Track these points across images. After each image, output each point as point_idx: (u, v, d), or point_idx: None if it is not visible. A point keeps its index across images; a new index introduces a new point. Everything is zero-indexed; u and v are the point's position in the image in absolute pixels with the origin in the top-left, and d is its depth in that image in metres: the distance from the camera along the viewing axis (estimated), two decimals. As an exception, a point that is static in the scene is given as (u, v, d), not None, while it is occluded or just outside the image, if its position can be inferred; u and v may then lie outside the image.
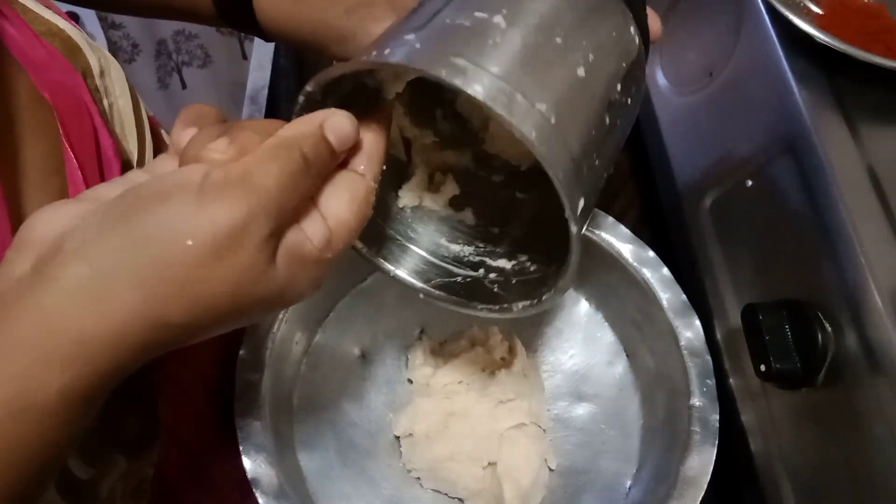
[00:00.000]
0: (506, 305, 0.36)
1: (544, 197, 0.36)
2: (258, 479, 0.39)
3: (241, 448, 0.40)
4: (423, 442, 0.47)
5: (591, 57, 0.30)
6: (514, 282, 0.38)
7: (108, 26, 1.23)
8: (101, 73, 0.41)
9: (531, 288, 0.36)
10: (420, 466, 0.47)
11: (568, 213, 0.28)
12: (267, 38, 0.45)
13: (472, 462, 0.46)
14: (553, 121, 0.27)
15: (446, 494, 0.47)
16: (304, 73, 0.73)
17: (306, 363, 0.49)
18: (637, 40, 0.33)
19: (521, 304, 0.35)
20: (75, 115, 0.37)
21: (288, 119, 0.29)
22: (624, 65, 0.32)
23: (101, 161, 0.38)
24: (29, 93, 0.35)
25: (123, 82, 0.43)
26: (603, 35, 0.31)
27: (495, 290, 0.38)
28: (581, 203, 0.28)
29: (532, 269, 0.38)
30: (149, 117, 0.46)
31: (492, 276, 0.39)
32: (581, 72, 0.29)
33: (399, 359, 0.52)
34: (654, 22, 0.36)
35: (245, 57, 1.26)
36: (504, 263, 0.39)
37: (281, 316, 0.45)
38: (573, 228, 0.28)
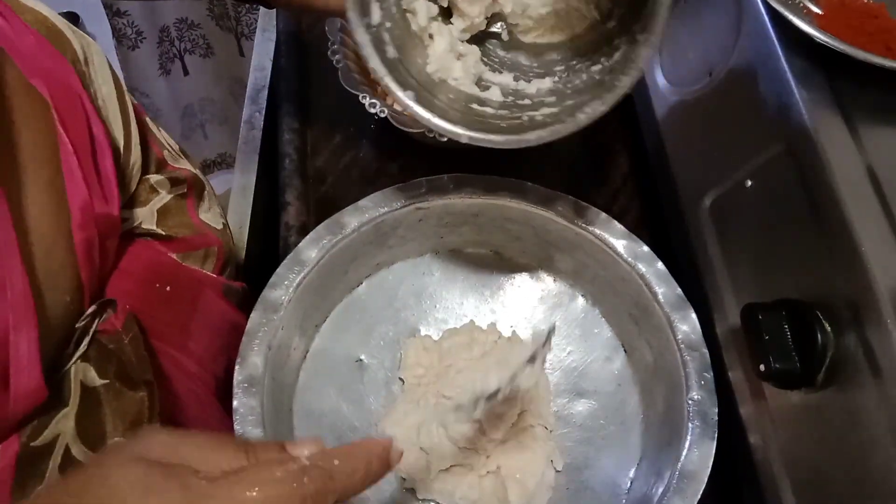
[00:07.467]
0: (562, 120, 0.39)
1: None
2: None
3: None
4: (411, 450, 0.46)
5: None
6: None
7: (112, 14, 1.24)
8: (85, 61, 0.41)
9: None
10: (411, 476, 0.46)
11: None
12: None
13: (466, 470, 0.46)
14: None
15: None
16: (305, 74, 0.73)
17: (305, 368, 0.49)
18: None
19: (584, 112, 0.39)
20: (68, 101, 0.37)
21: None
22: None
23: (95, 147, 0.39)
24: (18, 82, 0.35)
25: (106, 70, 0.43)
26: None
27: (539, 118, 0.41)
28: None
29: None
30: (133, 105, 0.46)
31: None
32: None
33: (395, 361, 0.51)
34: None
35: (242, 54, 1.27)
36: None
37: (278, 322, 0.45)
38: None
